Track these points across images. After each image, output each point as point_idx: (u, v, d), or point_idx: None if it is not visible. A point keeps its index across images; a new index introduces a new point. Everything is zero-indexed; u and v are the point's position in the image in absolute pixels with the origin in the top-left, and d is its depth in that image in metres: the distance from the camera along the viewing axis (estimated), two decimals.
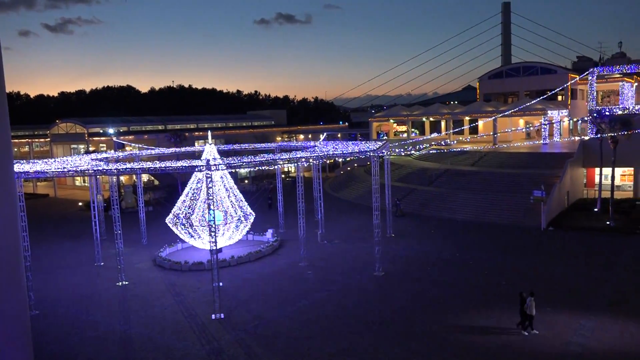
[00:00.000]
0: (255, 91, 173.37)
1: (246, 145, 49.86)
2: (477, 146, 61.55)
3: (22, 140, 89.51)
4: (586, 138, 49.84)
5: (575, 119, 71.34)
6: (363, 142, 43.74)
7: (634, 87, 73.74)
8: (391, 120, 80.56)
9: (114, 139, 63.10)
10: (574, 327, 21.92)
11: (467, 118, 70.96)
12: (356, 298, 26.54)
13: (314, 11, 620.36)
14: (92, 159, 37.76)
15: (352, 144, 42.27)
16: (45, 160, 36.93)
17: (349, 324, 23.30)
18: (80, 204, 59.78)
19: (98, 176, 39.94)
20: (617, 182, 49.08)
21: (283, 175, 62.72)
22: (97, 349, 21.86)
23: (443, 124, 74.05)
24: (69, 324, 24.72)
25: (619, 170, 50.44)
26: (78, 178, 74.81)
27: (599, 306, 24.17)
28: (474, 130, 69.83)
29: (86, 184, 68.28)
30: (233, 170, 34.40)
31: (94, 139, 73.82)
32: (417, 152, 59.98)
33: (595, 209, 43.85)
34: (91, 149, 70.77)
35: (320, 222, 40.27)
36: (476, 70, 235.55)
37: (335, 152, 33.82)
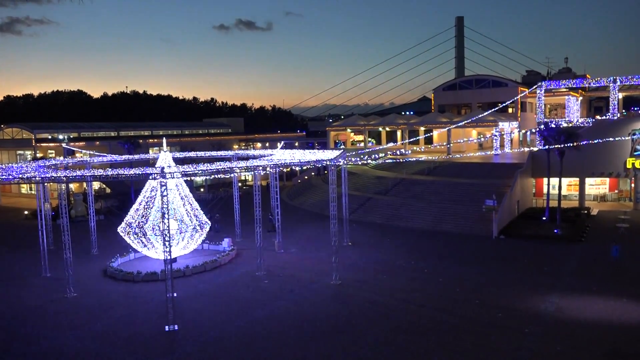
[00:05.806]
0: (212, 98, 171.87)
1: (202, 153, 49.15)
2: (431, 156, 62.84)
3: None
4: (535, 149, 51.68)
5: (524, 131, 74.05)
6: (321, 151, 43.86)
7: (579, 101, 77.26)
8: (348, 130, 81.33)
9: (64, 145, 60.98)
10: (524, 332, 22.57)
11: (422, 128, 72.44)
12: (313, 307, 26.47)
13: (275, 18, 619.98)
14: (40, 166, 36.34)
15: (310, 152, 42.30)
16: None
17: (304, 332, 23.19)
18: (26, 212, 57.33)
19: (46, 183, 38.47)
20: (564, 191, 51.09)
21: (240, 184, 62.14)
22: None
23: (399, 133, 75.36)
24: (11, 338, 23.53)
25: (565, 181, 52.56)
26: (24, 185, 71.81)
27: (547, 311, 24.99)
28: (428, 140, 71.30)
29: (33, 192, 65.55)
30: (189, 179, 33.82)
31: (42, 144, 71.12)
32: (374, 162, 60.66)
33: (544, 218, 45.42)
34: (39, 155, 68.17)
35: (278, 231, 40.05)
36: (431, 81, 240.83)
37: (293, 161, 33.78)
